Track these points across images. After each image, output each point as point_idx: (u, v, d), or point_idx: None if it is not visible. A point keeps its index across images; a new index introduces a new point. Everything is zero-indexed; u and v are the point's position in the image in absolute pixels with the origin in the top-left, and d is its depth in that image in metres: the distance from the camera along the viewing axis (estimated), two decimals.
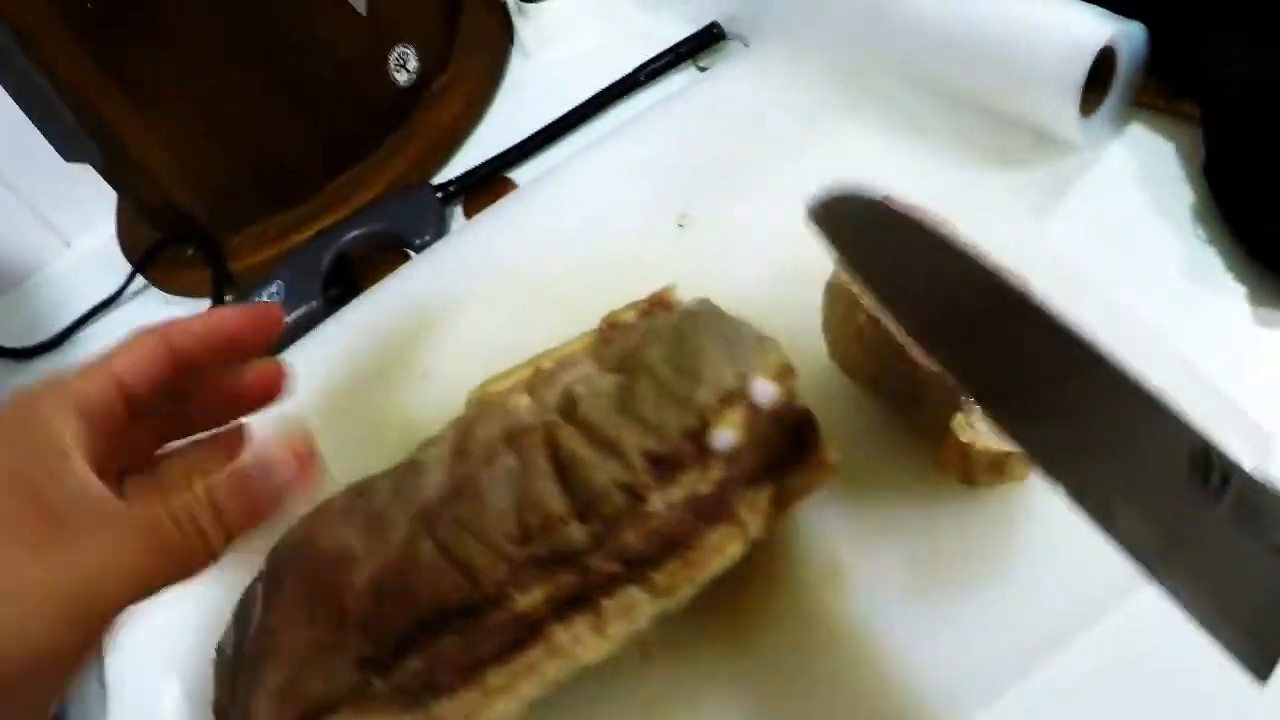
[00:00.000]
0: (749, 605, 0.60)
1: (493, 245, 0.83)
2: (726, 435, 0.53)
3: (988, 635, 0.56)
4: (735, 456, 0.54)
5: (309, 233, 0.90)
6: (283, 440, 0.53)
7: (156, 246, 0.96)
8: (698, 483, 0.53)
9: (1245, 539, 0.37)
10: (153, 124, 0.85)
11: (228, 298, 0.91)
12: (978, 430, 0.56)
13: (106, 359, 0.53)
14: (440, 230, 0.89)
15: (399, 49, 0.91)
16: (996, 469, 0.57)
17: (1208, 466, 0.37)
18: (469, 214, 0.90)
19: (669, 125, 0.85)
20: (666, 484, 0.53)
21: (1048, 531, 0.58)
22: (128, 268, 0.99)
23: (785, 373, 0.56)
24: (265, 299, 0.85)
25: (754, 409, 0.54)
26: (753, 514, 0.55)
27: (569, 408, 0.57)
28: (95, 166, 0.92)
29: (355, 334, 0.81)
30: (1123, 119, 0.73)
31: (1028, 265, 0.57)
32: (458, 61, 0.98)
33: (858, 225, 0.48)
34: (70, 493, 0.47)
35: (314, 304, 0.85)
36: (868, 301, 0.60)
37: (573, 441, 0.55)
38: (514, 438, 0.56)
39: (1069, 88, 0.68)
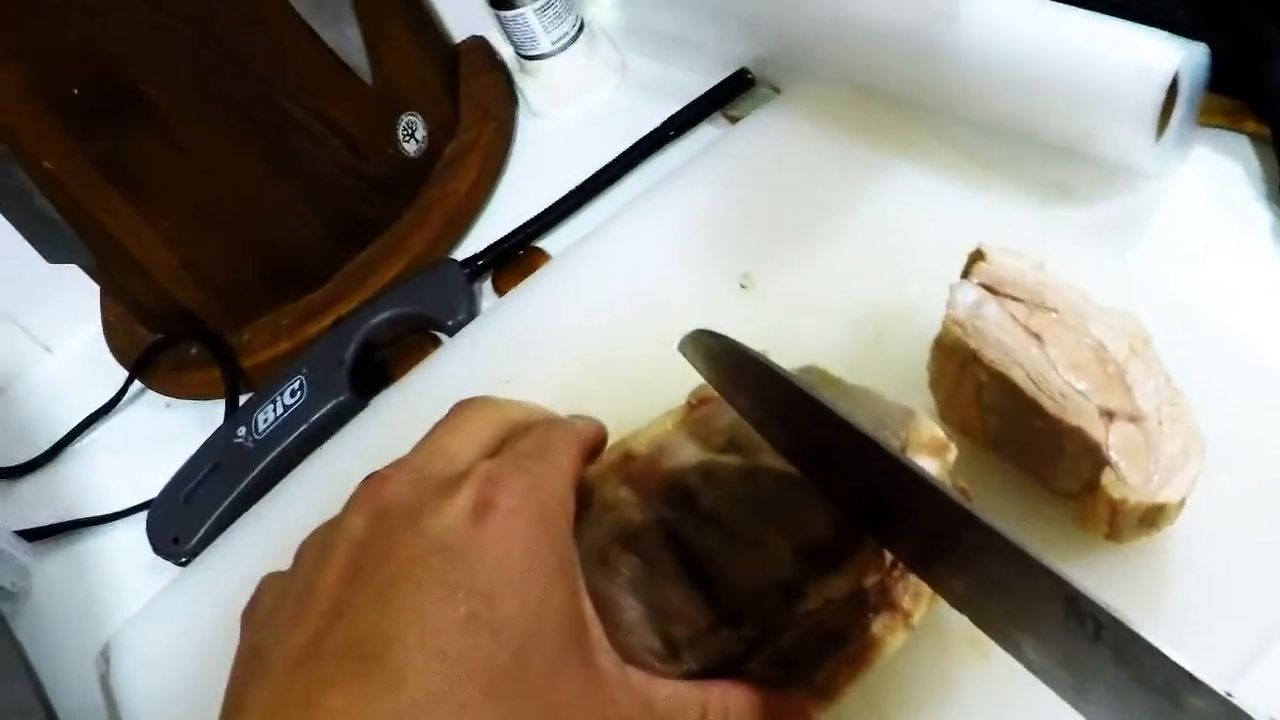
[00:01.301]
0: (887, 682, 0.54)
1: (535, 320, 0.78)
2: None
3: None
4: None
5: (326, 321, 0.85)
6: None
7: (154, 348, 0.89)
8: (861, 574, 0.48)
9: (1129, 680, 0.36)
10: (149, 218, 0.80)
11: (243, 397, 0.84)
12: (1129, 485, 0.52)
13: (566, 456, 0.47)
14: (472, 309, 0.83)
15: (406, 118, 0.87)
16: (1148, 523, 0.54)
17: (1080, 613, 0.37)
18: (500, 289, 0.85)
19: (713, 180, 0.80)
20: (825, 578, 0.48)
21: (1193, 584, 0.55)
22: (119, 371, 0.93)
23: (940, 446, 0.51)
24: (288, 395, 0.79)
25: None
26: (916, 601, 0.50)
27: (686, 500, 0.52)
28: (83, 267, 0.86)
29: (392, 428, 0.75)
30: (1189, 142, 0.71)
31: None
32: (465, 127, 0.93)
33: (722, 362, 0.50)
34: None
35: (342, 398, 0.79)
36: (989, 357, 0.56)
37: (704, 539, 0.49)
38: (629, 541, 0.51)
39: (1145, 116, 0.65)
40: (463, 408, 0.49)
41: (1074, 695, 0.40)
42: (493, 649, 0.38)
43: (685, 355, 0.51)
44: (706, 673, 0.47)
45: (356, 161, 0.85)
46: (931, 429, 0.51)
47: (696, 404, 0.60)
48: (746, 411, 0.51)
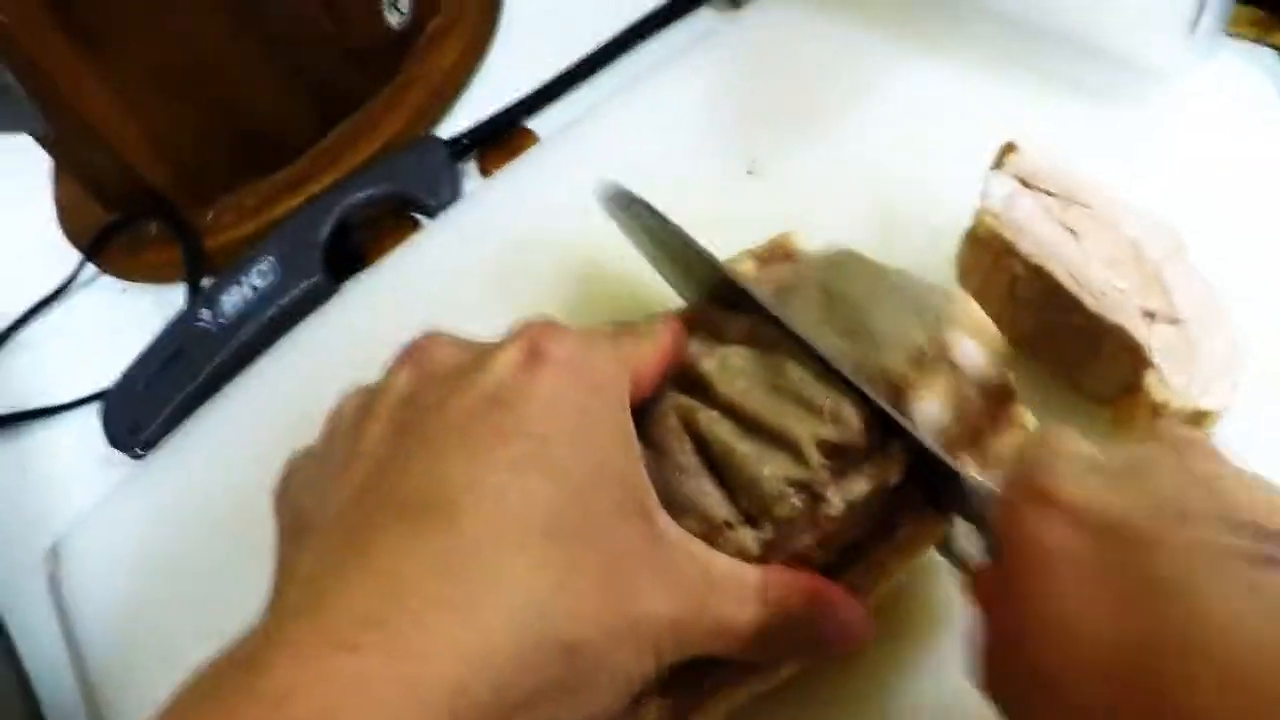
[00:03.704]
0: (910, 590, 0.52)
1: (523, 204, 0.73)
2: (932, 407, 0.45)
3: None
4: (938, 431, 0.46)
5: (297, 201, 0.80)
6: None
7: (111, 227, 0.84)
8: (885, 473, 0.45)
9: None
10: (110, 81, 0.74)
11: (205, 281, 0.80)
12: (1170, 387, 0.50)
13: (634, 348, 0.46)
14: (455, 190, 0.79)
15: None
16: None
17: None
18: (486, 170, 0.81)
19: (716, 66, 0.76)
20: (848, 479, 0.45)
21: None
22: (70, 256, 0.87)
23: (985, 329, 0.47)
24: (256, 277, 0.74)
25: (956, 374, 0.46)
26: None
27: (699, 386, 0.48)
28: (35, 135, 0.80)
29: (367, 313, 0.71)
30: (1215, 48, 0.67)
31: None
32: (451, 1, 0.88)
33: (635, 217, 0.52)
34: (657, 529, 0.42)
35: (315, 279, 0.75)
36: (1025, 249, 0.52)
37: (720, 429, 0.46)
38: (639, 425, 0.47)
39: (1179, 6, 0.62)
40: None
41: None
42: (550, 490, 0.38)
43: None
44: None
45: (336, 29, 0.80)
46: (976, 311, 0.48)
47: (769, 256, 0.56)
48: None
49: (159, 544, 0.68)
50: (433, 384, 0.42)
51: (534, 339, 0.41)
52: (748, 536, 0.44)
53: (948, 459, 0.44)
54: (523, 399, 0.39)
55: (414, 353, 0.44)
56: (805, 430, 0.45)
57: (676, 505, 0.44)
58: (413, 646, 0.34)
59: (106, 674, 0.66)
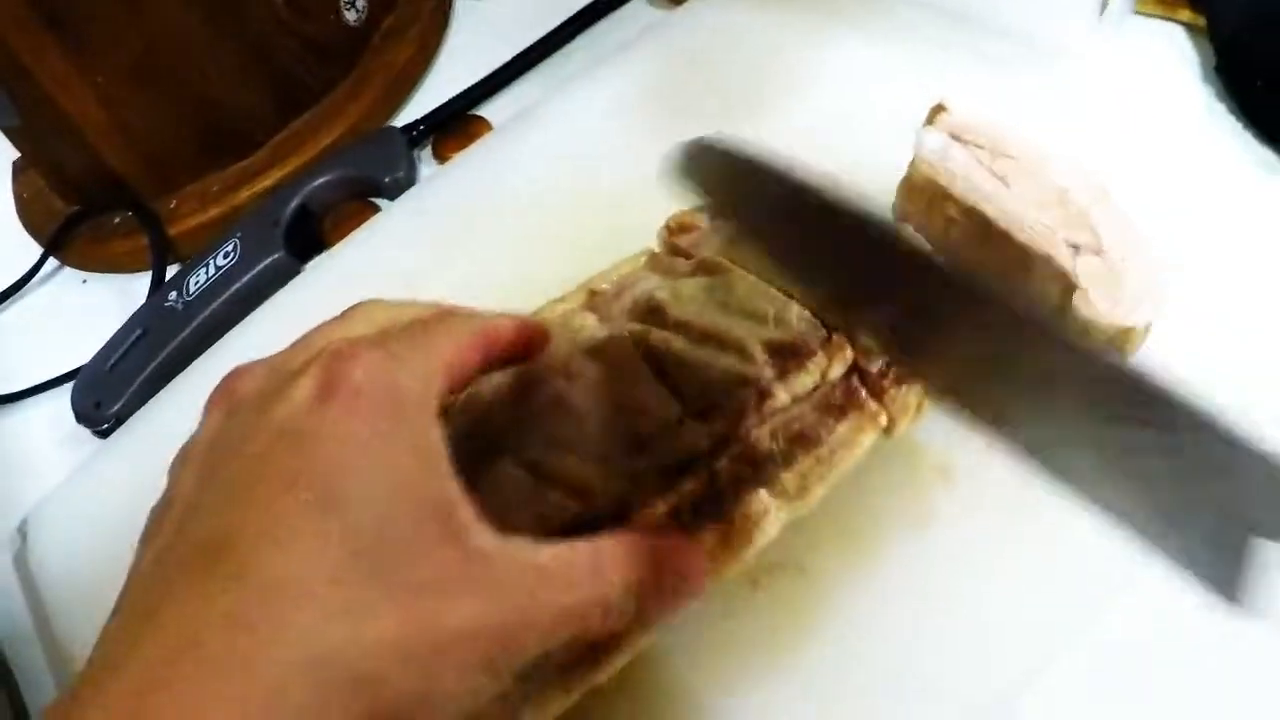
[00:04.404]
0: (859, 505, 0.55)
1: (477, 187, 0.76)
2: None
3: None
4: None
5: (259, 188, 0.83)
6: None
7: (73, 219, 0.86)
8: (826, 367, 0.49)
9: (1177, 459, 0.33)
10: (86, 72, 0.76)
11: (170, 268, 0.82)
12: (1096, 307, 0.53)
13: (448, 340, 0.43)
14: (411, 175, 0.82)
15: None
16: (1116, 345, 0.54)
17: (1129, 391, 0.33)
18: (441, 157, 0.84)
19: (659, 56, 0.80)
20: (792, 375, 0.49)
21: None
22: (30, 250, 0.88)
23: None
24: (221, 257, 0.76)
25: None
26: (903, 412, 0.51)
27: (654, 314, 0.51)
28: (5, 129, 0.82)
29: (327, 293, 0.73)
30: (1125, 26, 0.73)
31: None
32: (405, 1, 0.91)
33: (723, 173, 0.44)
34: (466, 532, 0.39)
35: (277, 256, 0.77)
36: (959, 192, 0.56)
37: (673, 342, 0.49)
38: (595, 351, 0.50)
39: None
40: (350, 308, 0.46)
41: (1089, 484, 0.36)
42: (340, 532, 0.37)
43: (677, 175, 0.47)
44: (676, 466, 0.47)
45: (299, 23, 0.83)
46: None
47: (675, 227, 0.59)
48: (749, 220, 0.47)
49: (124, 519, 0.65)
50: (236, 421, 0.41)
51: (329, 366, 0.40)
52: (698, 430, 0.48)
53: None
54: (311, 438, 0.38)
55: (223, 390, 0.43)
56: (750, 333, 0.48)
57: (630, 410, 0.48)
58: (196, 707, 0.33)
59: (75, 648, 0.66)
